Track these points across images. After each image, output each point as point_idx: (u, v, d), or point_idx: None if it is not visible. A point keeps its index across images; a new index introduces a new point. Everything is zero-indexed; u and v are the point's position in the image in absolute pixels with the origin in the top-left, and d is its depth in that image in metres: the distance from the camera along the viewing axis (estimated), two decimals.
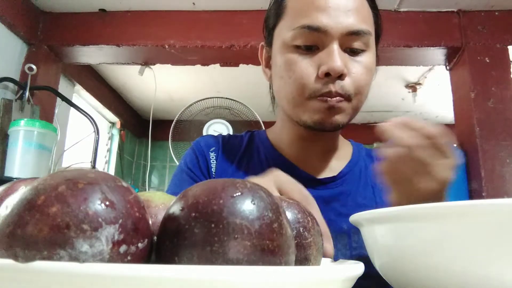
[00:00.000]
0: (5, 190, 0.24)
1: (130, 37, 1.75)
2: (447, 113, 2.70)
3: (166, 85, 2.43)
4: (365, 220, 0.31)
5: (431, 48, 1.70)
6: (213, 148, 0.66)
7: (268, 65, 0.65)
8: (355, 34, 0.53)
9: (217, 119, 1.91)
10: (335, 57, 0.52)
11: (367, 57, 0.55)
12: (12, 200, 0.17)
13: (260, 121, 2.00)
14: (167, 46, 1.74)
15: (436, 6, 1.69)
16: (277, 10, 0.60)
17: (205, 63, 1.86)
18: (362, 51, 0.55)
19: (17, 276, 0.15)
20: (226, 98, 1.99)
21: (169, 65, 1.91)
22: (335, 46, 0.52)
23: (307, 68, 0.54)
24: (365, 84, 0.55)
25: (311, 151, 0.63)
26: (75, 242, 0.16)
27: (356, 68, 0.54)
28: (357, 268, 0.20)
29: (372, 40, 0.56)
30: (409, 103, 2.62)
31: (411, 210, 0.26)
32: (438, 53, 1.74)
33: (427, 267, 0.26)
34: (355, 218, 0.32)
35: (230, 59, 1.82)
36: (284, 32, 0.57)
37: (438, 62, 1.82)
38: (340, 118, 0.55)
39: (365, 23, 0.54)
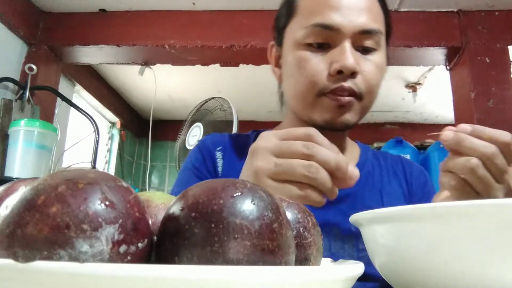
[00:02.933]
0: (5, 190, 0.24)
1: (130, 37, 1.75)
2: (447, 113, 2.70)
3: (166, 85, 2.43)
4: (365, 220, 0.31)
5: (431, 48, 1.70)
6: (220, 147, 0.66)
7: (277, 64, 0.65)
8: (367, 33, 0.53)
9: (196, 123, 1.85)
10: (348, 54, 0.51)
11: (378, 56, 0.55)
12: (12, 200, 0.17)
13: (235, 121, 1.74)
14: (167, 46, 1.74)
15: (436, 6, 1.69)
16: (288, 9, 0.60)
17: (205, 63, 1.86)
18: (374, 50, 0.55)
19: (17, 276, 0.15)
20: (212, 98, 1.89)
21: (169, 65, 1.91)
22: (348, 44, 0.52)
23: (318, 65, 0.54)
24: (376, 83, 0.55)
25: None
26: (75, 242, 0.16)
27: (368, 67, 0.54)
28: (357, 268, 0.20)
29: (383, 39, 0.56)
30: (409, 103, 2.62)
31: (411, 210, 0.26)
32: (438, 53, 1.74)
33: (427, 267, 0.26)
34: (355, 218, 0.32)
35: (230, 59, 1.82)
36: (295, 30, 0.57)
37: (438, 62, 1.82)
38: (350, 117, 0.55)
39: (377, 22, 0.55)
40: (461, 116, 1.72)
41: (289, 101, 0.62)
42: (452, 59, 1.75)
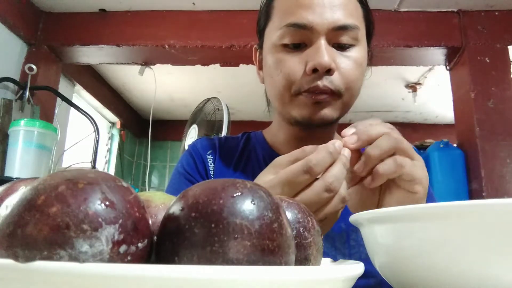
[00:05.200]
0: (5, 190, 0.24)
1: (130, 37, 1.75)
2: (447, 113, 2.70)
3: (166, 85, 2.43)
4: (365, 220, 0.31)
5: (431, 48, 1.70)
6: (210, 151, 0.66)
7: (261, 67, 0.65)
8: (342, 29, 0.53)
9: (193, 125, 1.84)
10: (322, 52, 0.51)
11: (357, 52, 0.55)
12: (12, 200, 0.17)
13: (225, 120, 1.73)
14: (167, 46, 1.74)
15: (436, 6, 1.69)
16: (266, 12, 0.60)
17: (205, 63, 1.86)
18: (351, 45, 0.54)
19: (17, 276, 0.15)
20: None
21: (169, 65, 1.91)
22: (322, 42, 0.52)
23: (294, 65, 0.54)
24: (355, 79, 0.55)
25: None
26: (75, 242, 0.16)
27: (345, 63, 0.53)
28: (357, 268, 0.20)
29: (361, 34, 0.56)
30: (409, 103, 2.62)
31: (411, 210, 0.26)
32: (438, 53, 1.74)
33: (427, 267, 0.26)
34: (355, 218, 0.32)
35: (230, 59, 1.82)
36: (272, 32, 0.57)
37: (438, 62, 1.82)
38: (328, 112, 0.54)
39: (352, 18, 0.54)
40: (461, 116, 1.72)
41: (272, 101, 0.62)
42: (452, 59, 1.75)
